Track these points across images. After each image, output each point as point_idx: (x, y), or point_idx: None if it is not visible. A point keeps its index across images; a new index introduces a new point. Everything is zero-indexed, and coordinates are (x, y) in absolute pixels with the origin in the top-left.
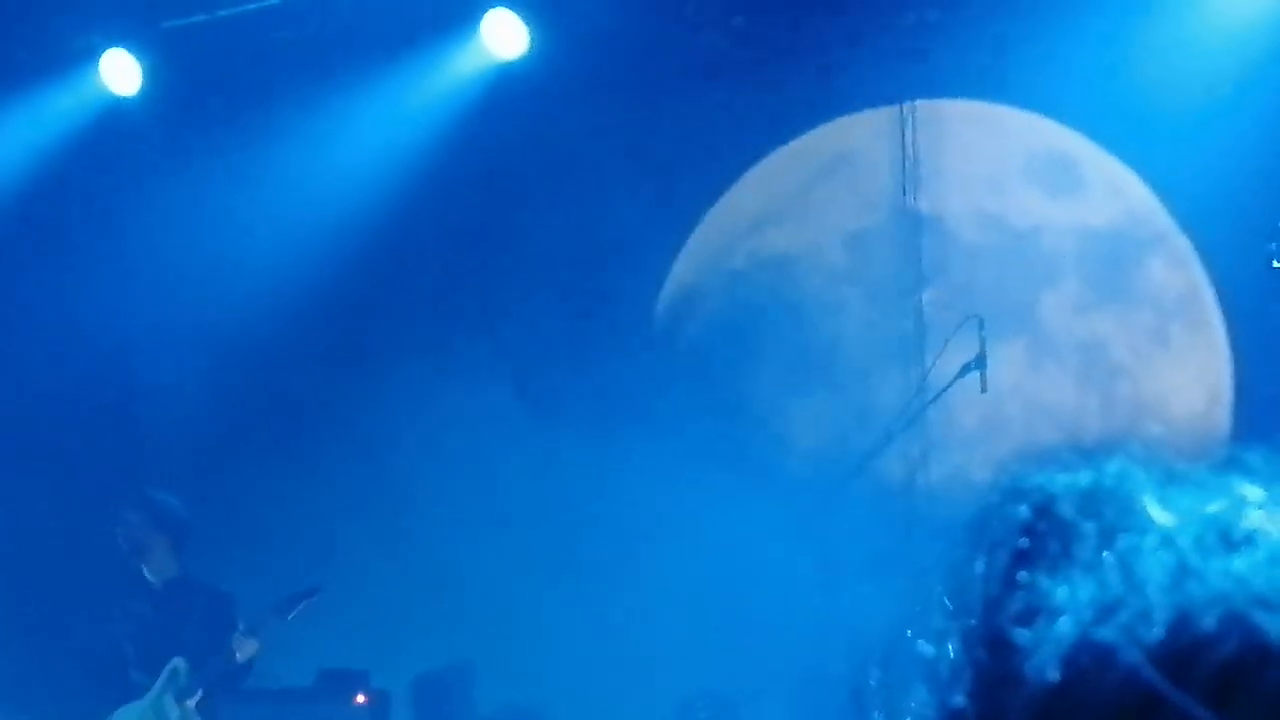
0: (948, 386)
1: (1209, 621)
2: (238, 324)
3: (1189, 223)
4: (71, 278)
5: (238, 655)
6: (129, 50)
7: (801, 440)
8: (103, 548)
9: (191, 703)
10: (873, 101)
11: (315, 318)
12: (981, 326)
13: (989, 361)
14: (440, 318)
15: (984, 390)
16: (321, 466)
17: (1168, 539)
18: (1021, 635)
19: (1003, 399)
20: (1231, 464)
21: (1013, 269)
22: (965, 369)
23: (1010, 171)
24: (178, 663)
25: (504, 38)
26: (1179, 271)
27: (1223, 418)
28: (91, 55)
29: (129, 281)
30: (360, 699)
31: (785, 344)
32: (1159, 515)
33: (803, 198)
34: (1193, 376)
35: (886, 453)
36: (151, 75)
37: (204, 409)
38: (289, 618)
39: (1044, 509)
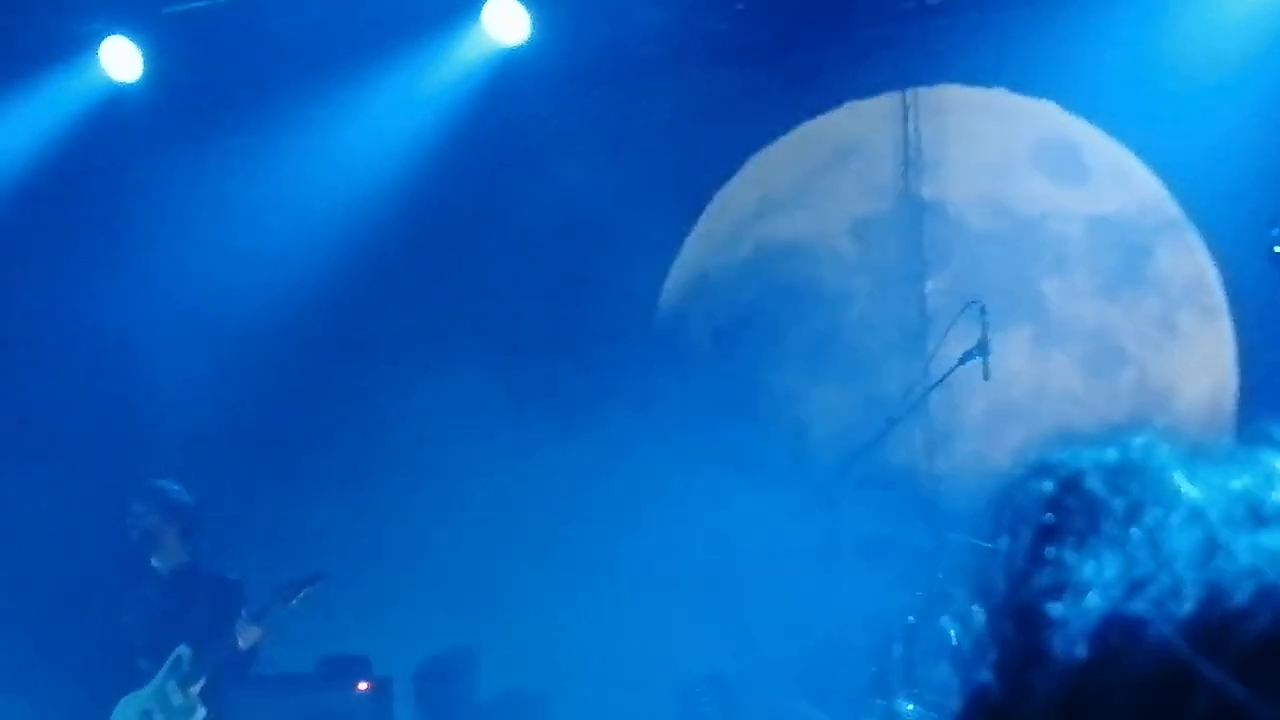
0: (948, 373)
1: (1241, 597)
2: (241, 312)
3: (1196, 210)
4: (75, 266)
5: (241, 642)
6: (129, 37)
7: (807, 427)
8: (109, 538)
9: (195, 689)
10: (876, 87)
11: (320, 306)
12: (983, 313)
13: (992, 348)
14: (446, 307)
15: (986, 378)
16: (325, 455)
17: (1196, 513)
18: (1050, 610)
19: (1008, 386)
20: (1260, 439)
21: (1018, 256)
22: (967, 356)
23: (1015, 158)
24: (182, 650)
25: (505, 24)
26: (1185, 259)
27: (1228, 405)
28: (92, 41)
29: (132, 270)
30: (363, 686)
31: (790, 332)
32: (1187, 490)
33: (807, 185)
34: (1199, 364)
35: (891, 440)
36: (153, 62)
37: (206, 397)
38: (292, 604)
39: (1071, 484)
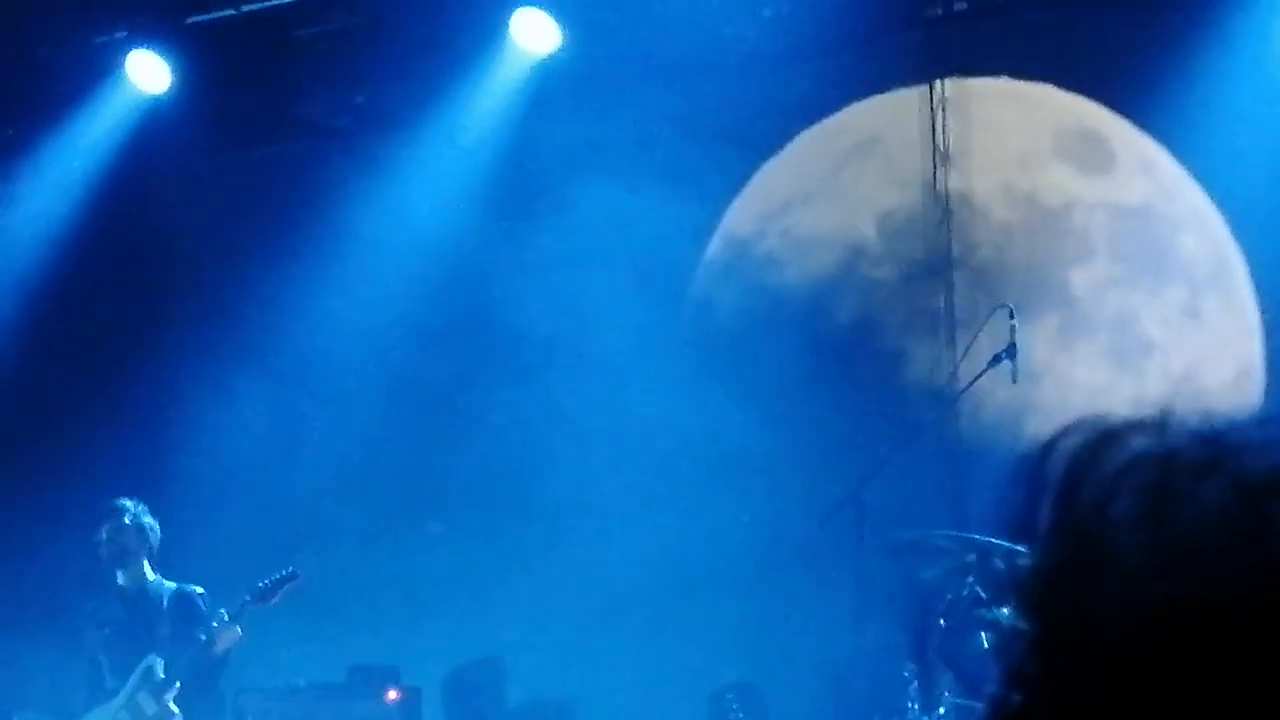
0: (976, 378)
1: None
2: (278, 323)
3: (1220, 198)
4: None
5: (218, 645)
6: (154, 49)
7: (833, 421)
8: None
9: (169, 697)
10: (901, 84)
11: (354, 315)
12: (1012, 316)
13: (1019, 346)
14: (476, 321)
15: (1015, 381)
16: (353, 466)
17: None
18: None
19: (1035, 377)
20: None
21: (1044, 246)
22: (996, 359)
23: (1040, 149)
24: (152, 659)
25: (535, 34)
26: (1209, 246)
27: (1254, 392)
28: (118, 53)
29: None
30: (392, 695)
31: (816, 323)
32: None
33: (833, 177)
34: (1224, 351)
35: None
36: (181, 73)
37: (239, 411)
38: (271, 604)
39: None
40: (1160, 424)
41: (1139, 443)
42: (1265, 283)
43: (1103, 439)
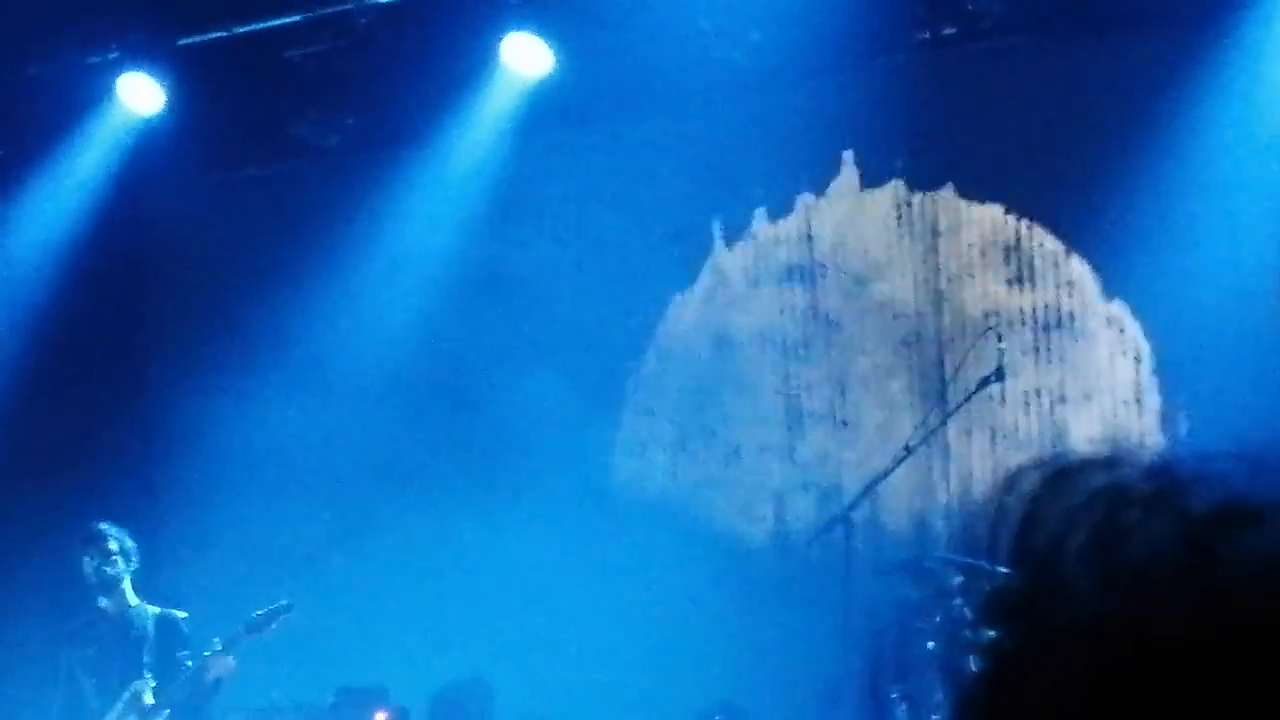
0: (965, 400)
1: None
2: (271, 341)
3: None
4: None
5: (211, 673)
6: (146, 70)
7: (818, 451)
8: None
9: None
10: (891, 119)
11: (345, 334)
12: (1000, 339)
13: (1007, 373)
14: (474, 327)
15: (1004, 403)
16: (342, 487)
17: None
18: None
19: (1019, 410)
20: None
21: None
22: (984, 382)
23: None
24: (138, 685)
25: (525, 58)
26: None
27: None
28: (109, 75)
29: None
30: (380, 716)
31: (803, 355)
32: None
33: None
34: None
35: (907, 465)
36: (173, 93)
37: (231, 437)
38: (265, 635)
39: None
40: (1114, 459)
41: (1095, 478)
42: None
43: (1061, 474)
